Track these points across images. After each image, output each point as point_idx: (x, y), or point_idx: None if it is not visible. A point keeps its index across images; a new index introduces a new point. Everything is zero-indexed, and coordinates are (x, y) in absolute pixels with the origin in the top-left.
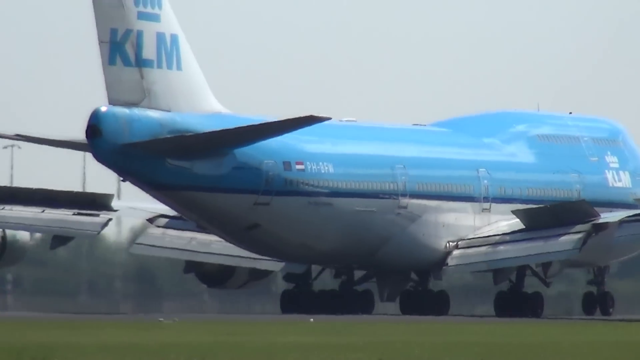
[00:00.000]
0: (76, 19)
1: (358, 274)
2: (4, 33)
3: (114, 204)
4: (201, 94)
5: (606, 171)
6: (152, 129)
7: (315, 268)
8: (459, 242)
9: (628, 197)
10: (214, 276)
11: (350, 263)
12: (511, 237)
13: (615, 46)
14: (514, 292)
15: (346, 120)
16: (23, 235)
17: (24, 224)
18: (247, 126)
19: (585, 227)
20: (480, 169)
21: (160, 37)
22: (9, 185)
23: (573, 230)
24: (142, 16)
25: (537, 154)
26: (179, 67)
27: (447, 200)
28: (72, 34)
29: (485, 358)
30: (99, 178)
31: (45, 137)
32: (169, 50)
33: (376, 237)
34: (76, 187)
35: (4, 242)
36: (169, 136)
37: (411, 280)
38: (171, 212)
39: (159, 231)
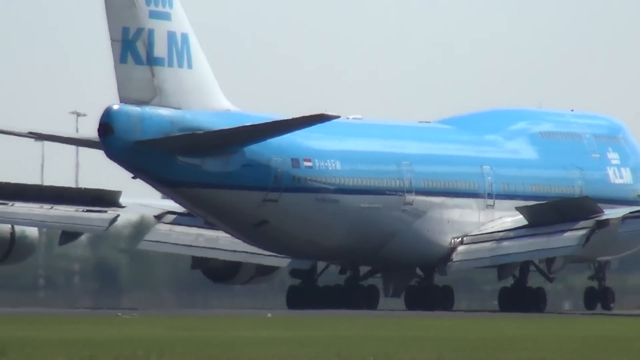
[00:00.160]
0: (88, 17)
1: (363, 269)
2: (17, 32)
3: (122, 200)
4: (211, 92)
5: (608, 168)
6: (163, 126)
7: (320, 264)
8: (463, 238)
9: (629, 194)
10: (220, 272)
11: (356, 259)
12: (515, 233)
13: (616, 43)
14: (517, 287)
15: (353, 118)
16: (32, 232)
17: (32, 220)
18: (258, 124)
19: (589, 223)
20: (485, 166)
21: (171, 35)
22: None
23: (577, 226)
24: (153, 15)
25: (540, 151)
26: (189, 66)
27: (452, 197)
28: (84, 32)
29: (443, 352)
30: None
31: (58, 134)
32: (179, 49)
33: (382, 233)
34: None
35: (13, 238)
36: (179, 134)
37: (416, 275)
38: (178, 209)
39: (166, 228)
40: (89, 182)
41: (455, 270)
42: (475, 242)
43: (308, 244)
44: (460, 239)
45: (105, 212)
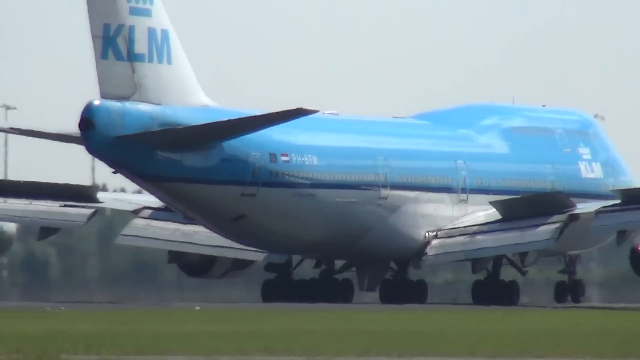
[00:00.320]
0: (70, 14)
1: (338, 263)
2: None
3: (100, 195)
4: (190, 87)
5: (579, 162)
6: (143, 122)
7: (295, 258)
8: (437, 232)
9: (600, 188)
10: (196, 266)
11: (332, 253)
12: (489, 227)
13: (586, 40)
14: (491, 281)
15: (328, 114)
16: (10, 227)
17: (11, 215)
18: (237, 119)
19: (562, 217)
20: (458, 161)
21: (151, 32)
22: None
23: (550, 220)
24: (134, 11)
25: (513, 146)
26: (169, 62)
27: (426, 191)
28: (65, 29)
29: (369, 346)
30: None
31: (40, 130)
32: (159, 45)
33: (358, 227)
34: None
35: None
36: (159, 129)
37: (391, 269)
38: (155, 204)
39: (144, 222)
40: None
41: (430, 264)
42: (449, 236)
43: (285, 238)
44: (434, 233)
45: (83, 207)
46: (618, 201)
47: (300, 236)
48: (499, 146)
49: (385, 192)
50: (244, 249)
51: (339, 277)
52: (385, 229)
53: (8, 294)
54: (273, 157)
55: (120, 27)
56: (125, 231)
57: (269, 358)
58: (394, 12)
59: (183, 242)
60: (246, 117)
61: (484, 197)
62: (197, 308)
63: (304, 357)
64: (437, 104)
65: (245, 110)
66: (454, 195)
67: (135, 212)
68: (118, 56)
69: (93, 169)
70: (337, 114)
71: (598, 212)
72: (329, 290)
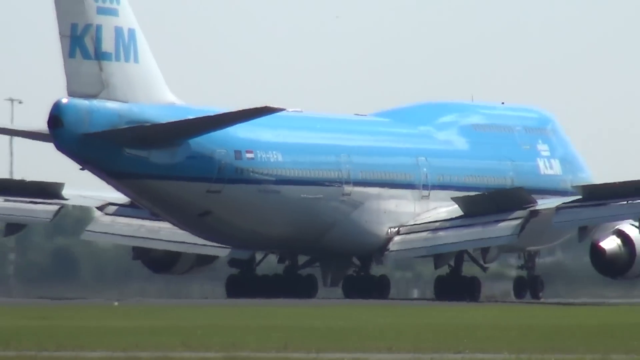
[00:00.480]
0: (38, 14)
1: (301, 259)
2: None
3: (65, 192)
4: (157, 85)
5: (538, 159)
6: (110, 119)
7: (259, 253)
8: (400, 228)
9: (559, 184)
10: (160, 262)
11: (296, 248)
12: (451, 223)
13: (545, 38)
14: (453, 276)
15: (292, 111)
16: None
17: None
18: (204, 117)
19: (523, 213)
20: (420, 157)
21: (118, 31)
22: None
23: (511, 216)
24: (101, 11)
25: (473, 143)
26: (136, 60)
27: (389, 188)
28: (33, 28)
29: (288, 342)
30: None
31: (7, 127)
32: (126, 44)
33: (322, 223)
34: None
35: None
36: (126, 126)
37: (353, 265)
38: (120, 200)
39: (109, 219)
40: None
41: (392, 259)
42: (411, 232)
43: (250, 233)
44: (396, 229)
45: (49, 204)
46: (579, 197)
47: (265, 232)
48: (460, 143)
49: (348, 188)
50: (208, 245)
51: (303, 272)
52: (348, 225)
53: None
54: (238, 154)
55: (87, 26)
56: (90, 227)
57: (187, 354)
58: (355, 12)
59: (147, 238)
60: (214, 115)
61: (446, 193)
62: (116, 303)
63: (222, 353)
64: (397, 102)
65: (210, 108)
66: (415, 192)
67: (100, 209)
68: (85, 55)
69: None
70: (301, 112)
71: (559, 208)
72: (293, 285)
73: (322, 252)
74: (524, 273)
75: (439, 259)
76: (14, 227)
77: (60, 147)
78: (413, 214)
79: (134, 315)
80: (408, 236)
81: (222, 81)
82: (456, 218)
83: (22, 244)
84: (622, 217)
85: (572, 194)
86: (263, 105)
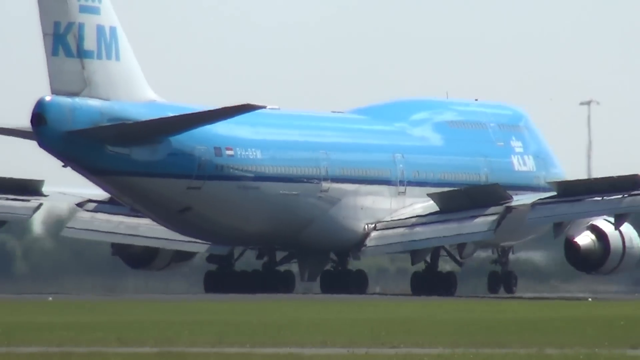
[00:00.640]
0: (21, 12)
1: (279, 254)
2: None
3: (45, 189)
4: (138, 83)
5: (512, 155)
6: (93, 117)
7: (237, 249)
8: (376, 224)
9: (532, 180)
10: (139, 258)
11: (275, 244)
12: (427, 219)
13: (518, 35)
14: (429, 272)
15: (270, 108)
16: None
17: None
18: (187, 114)
19: (499, 209)
20: (396, 154)
21: (100, 29)
22: None
23: (487, 212)
24: (83, 9)
25: (448, 139)
26: (117, 58)
27: (366, 184)
28: (16, 26)
29: (223, 337)
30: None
31: None
32: (108, 42)
33: (300, 219)
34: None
35: None
36: (108, 124)
37: (331, 260)
38: (100, 197)
39: (88, 215)
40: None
41: (369, 255)
42: (388, 228)
43: (229, 229)
44: (373, 225)
45: (29, 200)
46: (553, 193)
47: (244, 228)
48: (435, 140)
49: (326, 185)
50: (187, 241)
51: (281, 268)
52: (326, 221)
53: None
54: (218, 151)
55: (70, 24)
56: (70, 224)
57: (121, 349)
58: (330, 9)
59: (127, 234)
60: (195, 112)
61: (421, 190)
62: (50, 299)
63: (156, 349)
64: (373, 99)
65: (190, 106)
66: (392, 188)
67: (80, 205)
68: (68, 53)
69: None
70: (279, 109)
71: (534, 204)
72: (271, 281)
73: (300, 247)
74: (497, 268)
75: (415, 254)
76: None
77: (44, 145)
78: (389, 210)
79: (69, 311)
80: (385, 232)
81: (200, 79)
82: (433, 214)
83: None
84: (597, 213)
85: (545, 189)
86: (244, 102)
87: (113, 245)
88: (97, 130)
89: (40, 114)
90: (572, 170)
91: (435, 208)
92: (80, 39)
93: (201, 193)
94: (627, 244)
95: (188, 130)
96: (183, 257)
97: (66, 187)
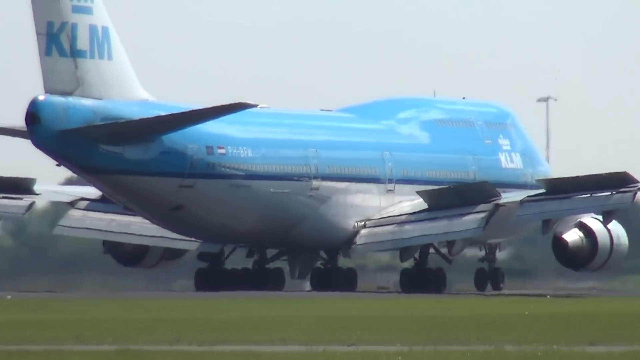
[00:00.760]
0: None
1: (270, 252)
2: None
3: (36, 187)
4: (130, 82)
5: (499, 153)
6: (86, 116)
7: (228, 247)
8: (366, 222)
9: (520, 178)
10: (129, 256)
11: (266, 242)
12: (417, 216)
13: (505, 34)
14: (418, 269)
15: (260, 107)
16: None
17: None
18: (180, 113)
19: (488, 206)
20: (385, 152)
21: (92, 29)
22: None
23: (476, 210)
24: (76, 9)
25: (436, 138)
26: (110, 57)
27: (355, 182)
28: (10, 26)
29: (183, 333)
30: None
31: None
32: (100, 41)
33: (290, 217)
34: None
35: None
36: (101, 123)
37: (320, 258)
38: (91, 195)
39: (80, 213)
40: None
41: (359, 253)
42: (377, 226)
43: (221, 227)
44: (363, 222)
45: (21, 199)
46: (542, 190)
47: (236, 226)
48: (423, 138)
49: (316, 183)
50: (178, 239)
51: (271, 266)
52: (316, 219)
53: None
54: (210, 149)
55: (63, 24)
56: (62, 222)
57: (79, 347)
58: (318, 8)
59: (118, 232)
60: (188, 111)
61: (410, 187)
62: (9, 297)
63: (114, 346)
64: (361, 98)
65: (182, 105)
66: (381, 186)
67: (72, 204)
68: (61, 53)
69: None
70: (269, 108)
71: (523, 202)
72: (261, 279)
73: (290, 245)
74: (485, 265)
75: (405, 252)
76: None
77: (38, 144)
78: (379, 208)
79: (27, 309)
80: (374, 229)
81: (192, 78)
82: (422, 211)
83: None
84: (586, 210)
85: (533, 187)
86: (237, 101)
87: (104, 243)
88: (90, 129)
89: (34, 113)
90: None
91: (424, 205)
92: (73, 38)
93: (193, 191)
94: (614, 241)
95: (180, 129)
96: (173, 255)
97: (59, 186)
